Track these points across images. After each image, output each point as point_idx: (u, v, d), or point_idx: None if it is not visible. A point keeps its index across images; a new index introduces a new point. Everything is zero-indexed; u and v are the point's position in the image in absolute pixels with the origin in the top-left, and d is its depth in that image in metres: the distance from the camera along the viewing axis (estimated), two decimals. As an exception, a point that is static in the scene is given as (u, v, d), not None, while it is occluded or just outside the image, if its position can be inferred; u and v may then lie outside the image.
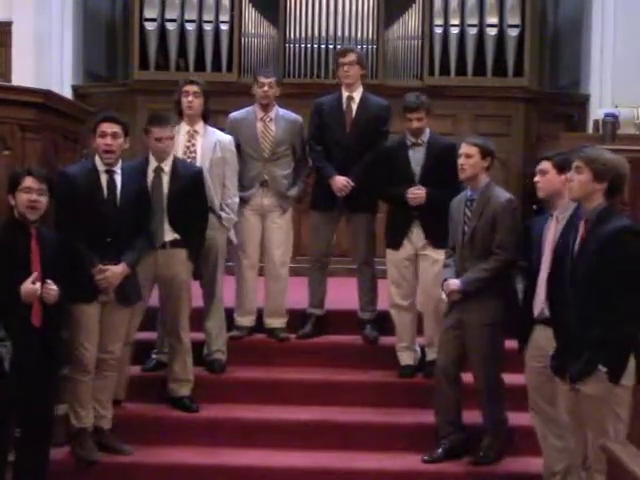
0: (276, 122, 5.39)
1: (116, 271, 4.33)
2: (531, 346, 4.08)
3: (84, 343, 4.33)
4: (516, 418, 4.52)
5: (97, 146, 4.40)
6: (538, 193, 4.11)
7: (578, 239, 3.55)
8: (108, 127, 4.37)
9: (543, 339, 3.95)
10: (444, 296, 4.62)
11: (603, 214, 3.49)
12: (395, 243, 5.11)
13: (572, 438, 3.59)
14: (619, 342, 3.38)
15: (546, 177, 4.06)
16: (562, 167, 3.96)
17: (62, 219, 4.33)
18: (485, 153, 4.48)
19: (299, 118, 5.52)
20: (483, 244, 4.42)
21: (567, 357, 3.52)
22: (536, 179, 4.12)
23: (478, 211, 4.44)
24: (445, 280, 4.52)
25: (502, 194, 4.51)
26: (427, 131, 5.13)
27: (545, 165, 4.08)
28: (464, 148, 4.51)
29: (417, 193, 4.98)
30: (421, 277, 5.11)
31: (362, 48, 9.04)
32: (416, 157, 5.07)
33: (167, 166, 4.74)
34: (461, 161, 4.50)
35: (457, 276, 4.47)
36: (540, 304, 3.98)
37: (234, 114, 5.50)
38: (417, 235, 5.04)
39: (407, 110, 5.04)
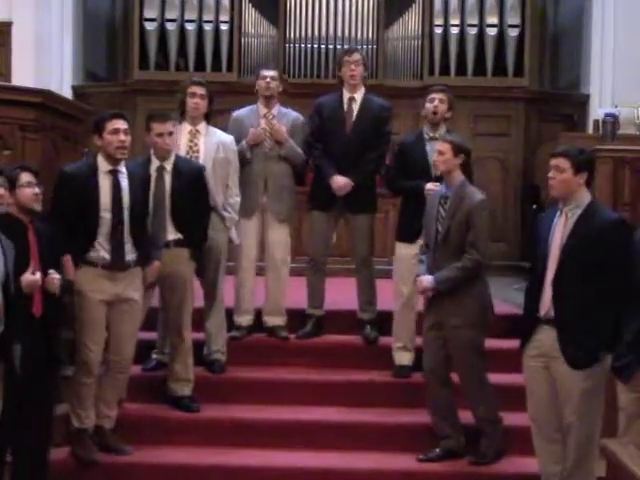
0: (279, 119, 5.38)
1: (153, 270, 4.53)
2: (532, 346, 3.93)
3: (88, 344, 4.32)
4: (513, 418, 4.51)
5: (107, 143, 4.31)
6: (551, 192, 3.91)
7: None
8: (121, 124, 4.33)
9: (549, 340, 3.83)
10: (417, 292, 4.64)
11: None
12: (409, 237, 5.02)
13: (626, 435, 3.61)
14: None
15: (562, 176, 3.82)
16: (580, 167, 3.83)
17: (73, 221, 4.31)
18: (457, 150, 4.45)
19: (300, 116, 5.50)
20: (457, 243, 4.38)
21: (626, 356, 3.57)
22: (550, 175, 3.88)
23: (452, 210, 4.41)
24: (417, 276, 4.52)
25: (475, 194, 4.47)
26: (444, 127, 5.12)
27: (562, 162, 3.83)
28: (438, 145, 4.54)
29: (434, 190, 4.89)
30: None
31: (362, 48, 9.08)
32: (433, 151, 5.00)
33: (169, 165, 4.73)
34: (434, 158, 4.54)
35: (429, 273, 4.44)
36: (547, 304, 3.85)
37: (237, 112, 5.49)
38: None
39: (432, 91, 5.10)
